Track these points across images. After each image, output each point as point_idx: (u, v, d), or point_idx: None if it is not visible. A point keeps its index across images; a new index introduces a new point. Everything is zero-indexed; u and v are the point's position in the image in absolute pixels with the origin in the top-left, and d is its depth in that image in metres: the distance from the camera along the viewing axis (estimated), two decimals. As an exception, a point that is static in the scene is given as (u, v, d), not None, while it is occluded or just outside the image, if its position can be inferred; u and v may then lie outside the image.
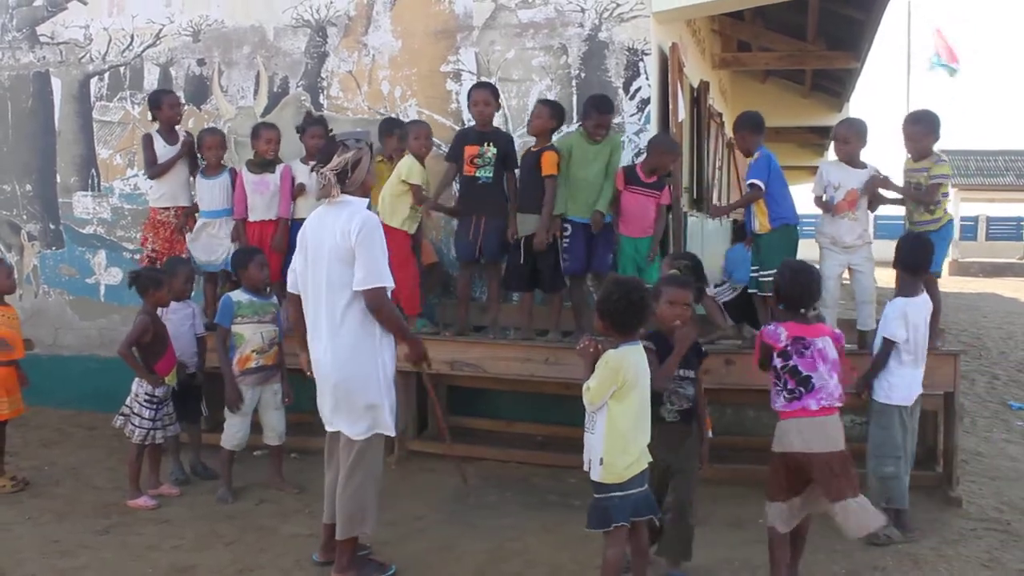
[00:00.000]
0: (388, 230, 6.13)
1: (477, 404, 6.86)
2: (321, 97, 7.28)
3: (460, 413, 6.86)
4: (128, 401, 5.47)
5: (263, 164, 6.56)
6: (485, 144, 6.06)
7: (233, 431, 5.49)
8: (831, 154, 22.94)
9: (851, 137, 5.60)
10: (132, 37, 7.74)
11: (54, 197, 8.00)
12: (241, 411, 5.47)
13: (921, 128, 5.49)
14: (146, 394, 5.42)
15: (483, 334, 6.26)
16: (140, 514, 5.18)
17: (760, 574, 4.31)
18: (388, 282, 4.07)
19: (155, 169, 6.68)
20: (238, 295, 5.53)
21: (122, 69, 7.79)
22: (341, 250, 4.02)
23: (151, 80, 7.69)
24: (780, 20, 11.39)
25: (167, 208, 6.71)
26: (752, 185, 5.69)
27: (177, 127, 6.87)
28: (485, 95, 6.12)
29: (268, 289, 5.71)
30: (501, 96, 6.44)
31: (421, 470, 6.00)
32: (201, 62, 7.60)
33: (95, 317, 7.88)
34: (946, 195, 5.69)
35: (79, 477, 5.92)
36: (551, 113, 6.11)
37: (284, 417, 5.63)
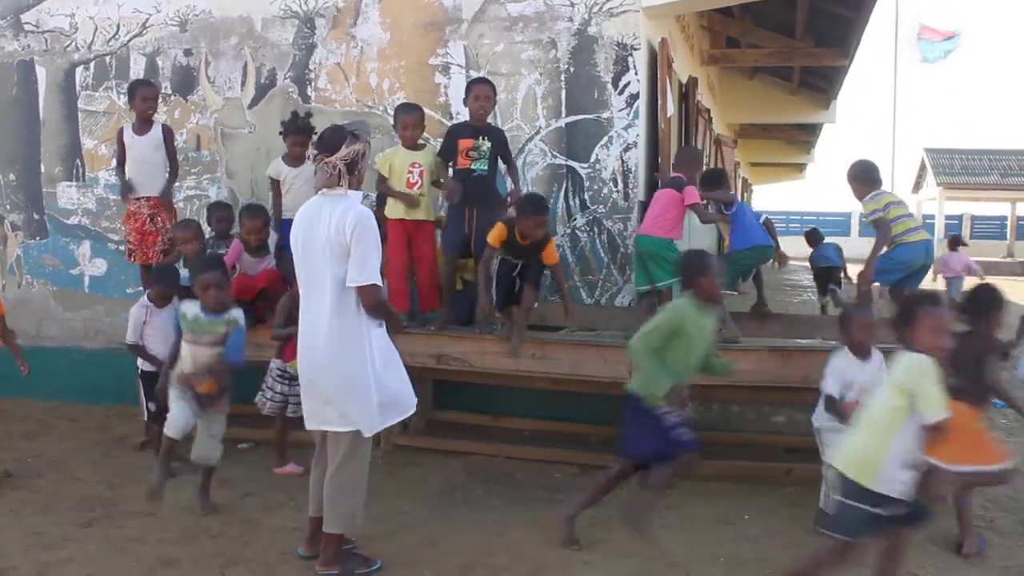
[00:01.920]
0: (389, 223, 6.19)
1: (463, 398, 6.84)
2: (309, 89, 7.24)
3: (446, 407, 6.84)
4: (266, 377, 5.82)
5: (257, 249, 6.36)
6: (480, 138, 6.03)
7: (171, 418, 5.07)
8: (817, 154, 22.77)
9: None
10: (118, 26, 7.67)
11: (38, 187, 7.93)
12: (174, 399, 5.08)
13: (848, 177, 6.02)
14: (278, 369, 5.76)
15: (470, 328, 6.24)
16: (124, 507, 5.14)
17: (746, 570, 4.32)
18: (378, 279, 4.04)
19: (118, 169, 6.82)
20: (187, 305, 5.16)
21: (108, 58, 7.73)
22: (336, 245, 3.96)
23: (137, 70, 7.63)
24: (769, 17, 11.42)
25: (137, 198, 6.68)
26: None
27: (154, 118, 6.81)
28: (487, 90, 6.09)
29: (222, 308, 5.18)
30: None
31: (408, 464, 5.99)
32: (188, 52, 7.54)
33: (79, 308, 7.83)
34: (896, 220, 5.77)
35: (62, 469, 5.87)
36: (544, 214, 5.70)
37: (218, 446, 5.15)
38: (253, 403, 5.87)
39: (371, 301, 4.02)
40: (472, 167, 6.05)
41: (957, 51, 17.02)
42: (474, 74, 6.78)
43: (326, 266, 4.00)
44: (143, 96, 6.69)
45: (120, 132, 6.78)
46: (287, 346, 5.53)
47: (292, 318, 5.01)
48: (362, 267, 3.96)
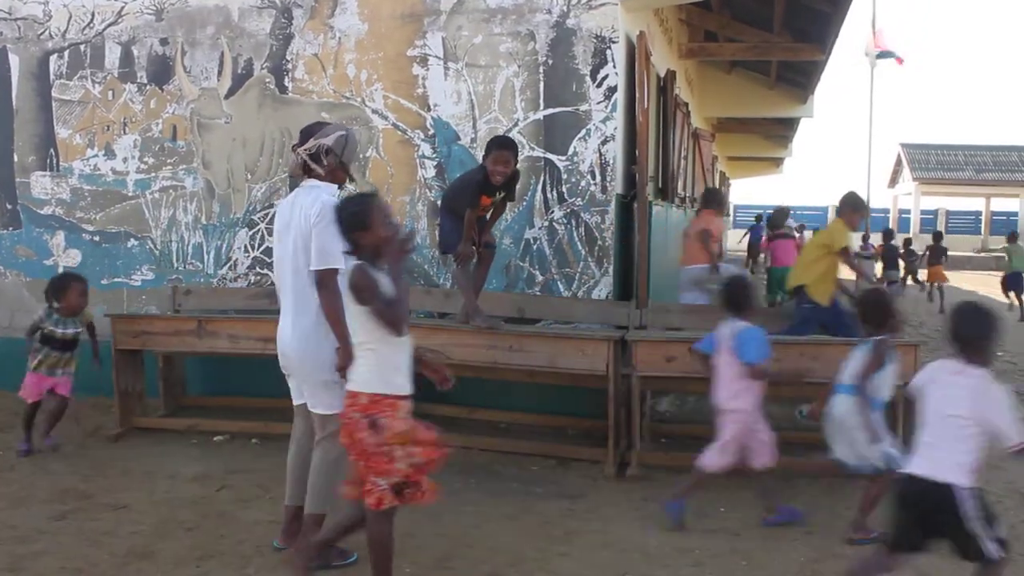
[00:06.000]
0: None
1: (441, 390, 6.81)
2: (286, 80, 7.19)
3: (422, 399, 6.80)
4: None
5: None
6: (498, 193, 5.75)
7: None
8: (794, 148, 22.90)
9: None
10: (93, 14, 7.59)
11: (11, 177, 7.82)
12: None
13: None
14: None
15: (448, 320, 6.24)
16: (98, 499, 5.10)
17: (721, 562, 4.34)
18: (339, 264, 4.03)
19: None
20: None
21: (82, 47, 7.64)
22: (304, 233, 4.14)
23: (112, 59, 7.55)
24: (747, 11, 11.47)
25: None
26: None
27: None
28: (506, 155, 5.60)
29: None
30: (470, 83, 6.37)
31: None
32: (164, 41, 7.47)
33: (53, 299, 7.74)
34: None
35: (35, 462, 5.84)
36: None
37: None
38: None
39: (322, 283, 4.05)
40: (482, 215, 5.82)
41: (885, 63, 17.89)
42: (452, 66, 6.77)
43: (297, 254, 4.19)
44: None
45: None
46: None
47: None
48: (320, 252, 4.08)
